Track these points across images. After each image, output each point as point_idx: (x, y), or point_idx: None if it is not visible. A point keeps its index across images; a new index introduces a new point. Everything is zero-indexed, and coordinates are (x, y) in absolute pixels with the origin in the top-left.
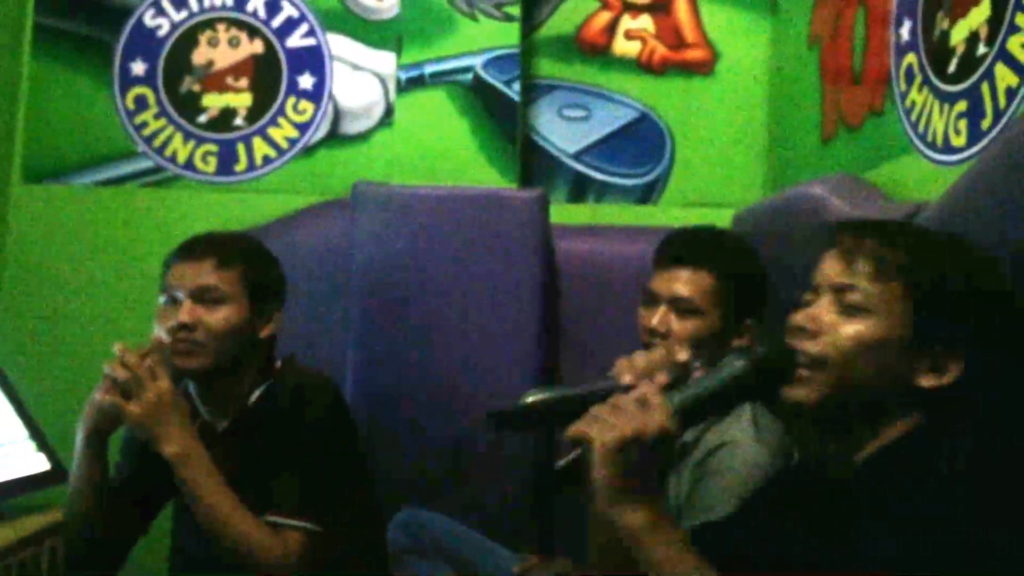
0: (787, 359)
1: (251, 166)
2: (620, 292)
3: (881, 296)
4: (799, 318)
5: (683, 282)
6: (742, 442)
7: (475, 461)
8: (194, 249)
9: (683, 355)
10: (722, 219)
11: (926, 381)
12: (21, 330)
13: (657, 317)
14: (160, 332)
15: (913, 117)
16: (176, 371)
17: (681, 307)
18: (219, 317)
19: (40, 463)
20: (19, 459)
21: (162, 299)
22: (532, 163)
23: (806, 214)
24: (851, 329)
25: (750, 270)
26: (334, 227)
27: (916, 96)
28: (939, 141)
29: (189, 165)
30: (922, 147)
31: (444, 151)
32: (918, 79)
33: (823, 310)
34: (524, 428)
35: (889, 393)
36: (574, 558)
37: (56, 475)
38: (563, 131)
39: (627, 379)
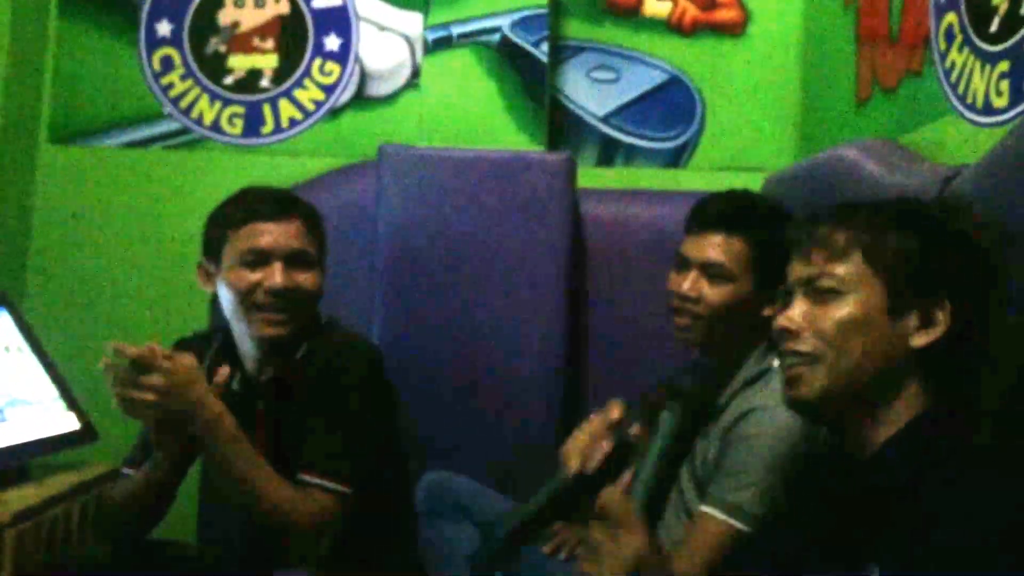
0: (708, 392)
1: (277, 128)
2: (648, 256)
3: (845, 274)
4: (780, 321)
5: (715, 247)
6: (771, 407)
7: (498, 424)
8: (281, 209)
9: (615, 413)
10: (753, 183)
11: (919, 340)
12: (50, 290)
13: (688, 282)
14: (231, 294)
15: (953, 78)
16: (259, 339)
17: (713, 272)
18: (310, 280)
19: (70, 422)
20: (49, 418)
21: (231, 261)
22: (560, 126)
23: (840, 178)
24: (830, 315)
25: (783, 236)
26: (360, 189)
27: (956, 56)
28: (979, 102)
29: (215, 127)
30: (962, 108)
31: (471, 113)
32: (958, 39)
33: (797, 307)
34: (510, 554)
35: (888, 366)
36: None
37: (85, 434)
38: (592, 93)
39: (573, 465)
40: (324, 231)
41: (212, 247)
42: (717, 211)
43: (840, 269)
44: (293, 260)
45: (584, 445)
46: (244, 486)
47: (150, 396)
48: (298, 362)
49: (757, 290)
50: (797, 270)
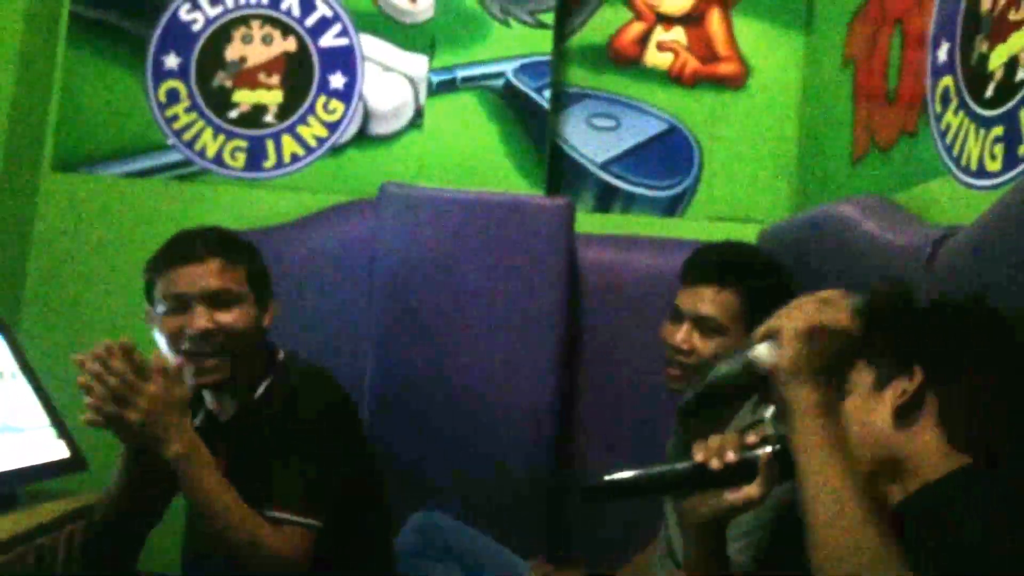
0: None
1: (279, 163)
2: (643, 303)
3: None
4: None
5: (707, 301)
6: None
7: (489, 466)
8: (195, 250)
9: (752, 438)
10: (748, 235)
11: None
12: (46, 318)
13: (681, 334)
14: (164, 340)
15: (947, 140)
16: (198, 384)
17: (704, 325)
18: (236, 318)
19: (60, 450)
20: (40, 446)
21: (160, 307)
22: (560, 171)
23: (835, 234)
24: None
25: (776, 288)
26: (360, 226)
27: (951, 119)
28: (973, 165)
29: (218, 159)
30: (955, 170)
31: (472, 155)
32: (954, 102)
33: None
34: (611, 500)
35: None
36: (585, 565)
37: (75, 463)
38: (592, 140)
39: (699, 456)
40: (257, 263)
41: (148, 293)
42: (709, 264)
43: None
44: (214, 301)
45: (716, 445)
46: (216, 518)
47: (134, 415)
48: (258, 400)
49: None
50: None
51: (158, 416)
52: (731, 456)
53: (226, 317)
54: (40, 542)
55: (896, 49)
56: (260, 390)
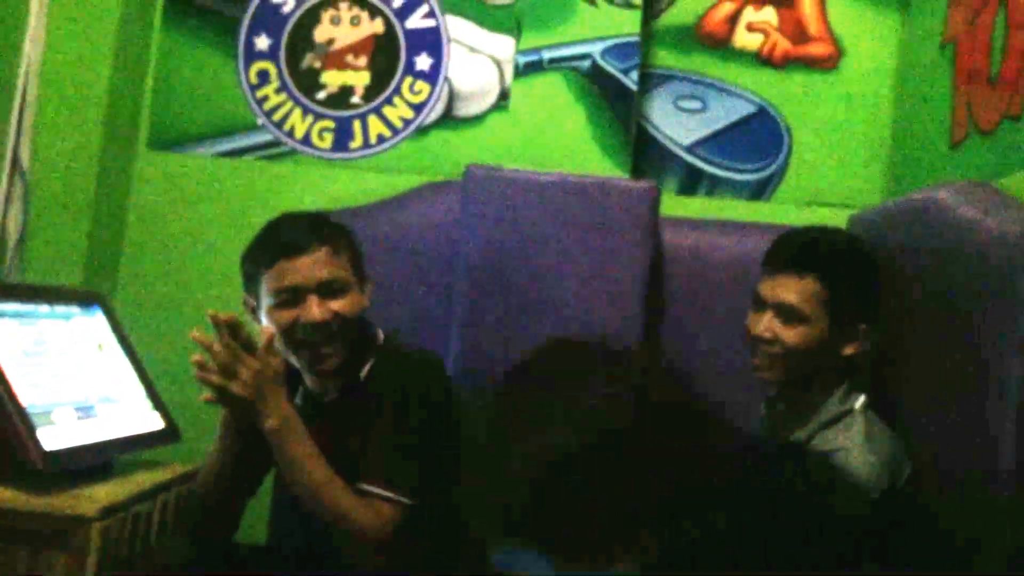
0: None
1: (366, 144)
2: (729, 288)
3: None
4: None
5: (789, 289)
6: (852, 449)
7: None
8: (301, 242)
9: None
10: (838, 220)
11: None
12: (141, 293)
13: (763, 324)
14: (276, 331)
15: None
16: (317, 372)
17: (786, 314)
18: (347, 304)
19: (155, 422)
20: (135, 417)
21: (269, 300)
22: (645, 153)
23: (931, 220)
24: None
25: (862, 275)
26: (445, 208)
27: None
28: None
29: (306, 140)
30: None
31: (558, 137)
32: None
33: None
34: None
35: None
36: None
37: (169, 434)
38: (678, 122)
39: None
40: (356, 247)
41: (250, 284)
42: (791, 252)
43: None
44: (326, 290)
45: None
46: (309, 490)
47: (237, 388)
48: (362, 382)
49: (834, 329)
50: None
51: (259, 389)
52: None
53: (338, 305)
54: (135, 510)
55: (1000, 29)
56: (364, 371)
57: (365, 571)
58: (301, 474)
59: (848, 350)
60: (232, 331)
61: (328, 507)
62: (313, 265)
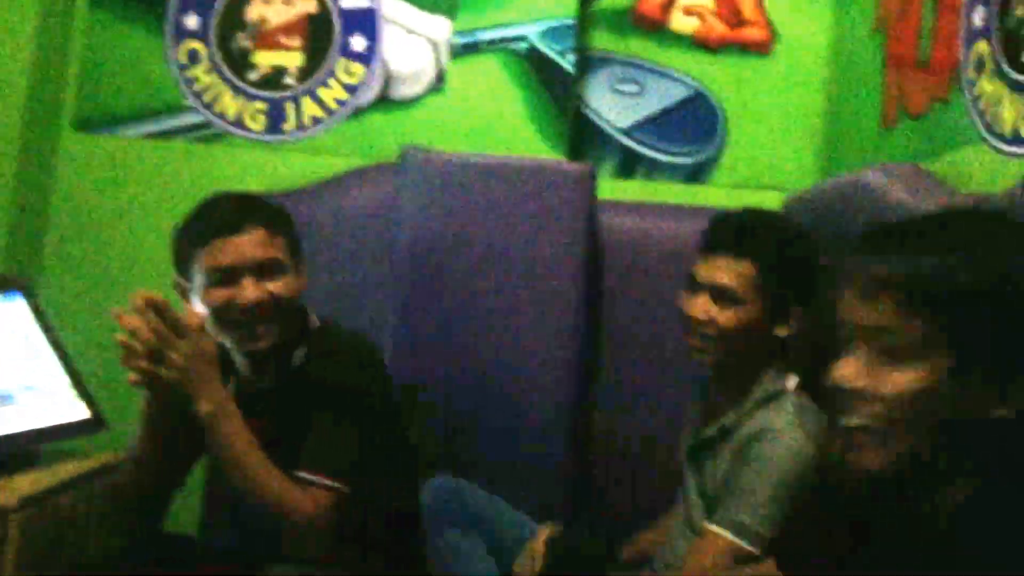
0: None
1: (299, 126)
2: (665, 270)
3: (923, 334)
4: (842, 377)
5: (724, 271)
6: (783, 430)
7: (509, 433)
8: (237, 221)
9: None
10: (773, 202)
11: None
12: (66, 279)
13: (699, 306)
14: (208, 312)
15: (981, 106)
16: (249, 351)
17: (721, 296)
18: (284, 286)
19: (80, 411)
20: (60, 406)
21: (201, 280)
22: (582, 136)
23: (863, 202)
24: (901, 381)
25: (796, 258)
26: (381, 191)
27: (986, 85)
28: (1008, 132)
29: (238, 122)
30: (989, 137)
31: (495, 120)
32: (988, 67)
33: (856, 361)
34: None
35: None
36: (603, 533)
37: (95, 423)
38: (615, 105)
39: None
40: (293, 230)
41: (181, 265)
42: (726, 232)
43: (917, 326)
44: (262, 271)
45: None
46: (245, 477)
47: (166, 372)
48: (296, 368)
49: (768, 311)
50: (858, 313)
51: (191, 372)
52: None
53: (274, 286)
54: (58, 501)
55: (929, 14)
56: (298, 357)
57: (301, 560)
58: (235, 459)
59: (782, 331)
60: (159, 312)
61: (263, 493)
62: (249, 245)
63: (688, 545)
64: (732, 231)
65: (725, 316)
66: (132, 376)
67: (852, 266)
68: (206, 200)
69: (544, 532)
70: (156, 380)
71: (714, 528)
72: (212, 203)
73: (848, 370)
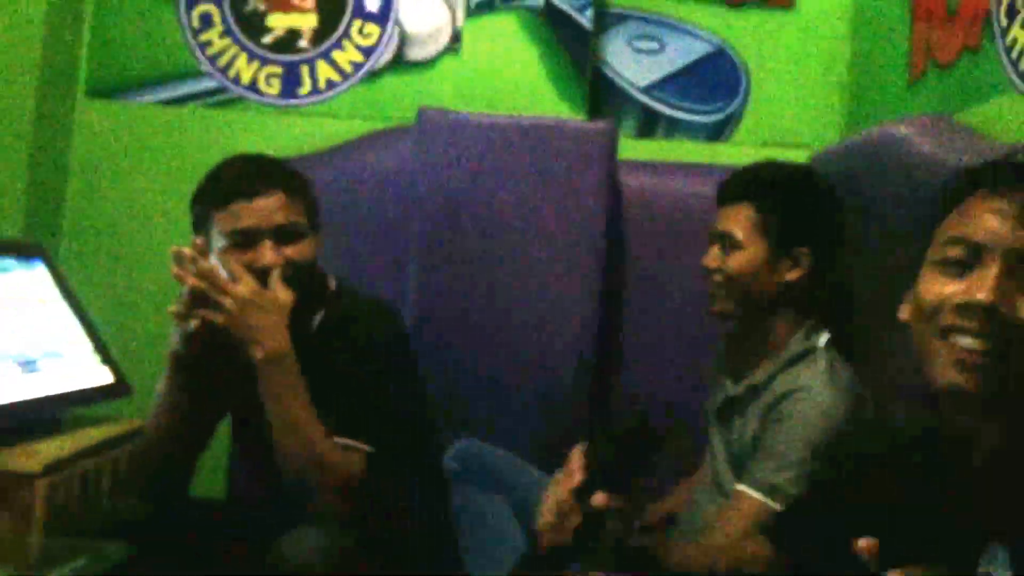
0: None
1: (315, 89)
2: (686, 230)
3: None
4: (981, 293)
5: (727, 218)
6: (814, 388)
7: (529, 394)
8: (257, 184)
9: (576, 477)
10: (798, 160)
11: None
12: (84, 244)
13: (710, 255)
14: (228, 275)
15: (1014, 55)
16: None
17: (726, 242)
18: (302, 251)
19: (104, 376)
20: (83, 371)
21: (220, 242)
22: (601, 95)
23: (891, 156)
24: None
25: (797, 198)
26: (398, 153)
27: (1018, 32)
28: None
29: (252, 86)
30: (1022, 86)
31: (511, 79)
32: (1021, 14)
33: (995, 278)
34: None
35: None
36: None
37: (119, 389)
38: (634, 63)
39: (545, 540)
40: (311, 194)
41: (199, 224)
42: (731, 183)
43: None
44: (281, 235)
45: (553, 520)
46: (291, 431)
47: (221, 318)
48: (315, 332)
49: (773, 253)
50: (1004, 234)
51: (251, 312)
52: (573, 521)
53: (293, 251)
54: (83, 467)
55: None
56: (316, 320)
57: (329, 521)
58: (285, 412)
59: (790, 275)
60: (203, 256)
61: (308, 451)
62: (268, 209)
63: (715, 507)
64: (733, 180)
65: (729, 262)
66: (179, 320)
67: (1007, 183)
68: (224, 161)
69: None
70: (202, 328)
71: (745, 489)
72: (230, 165)
73: (987, 290)
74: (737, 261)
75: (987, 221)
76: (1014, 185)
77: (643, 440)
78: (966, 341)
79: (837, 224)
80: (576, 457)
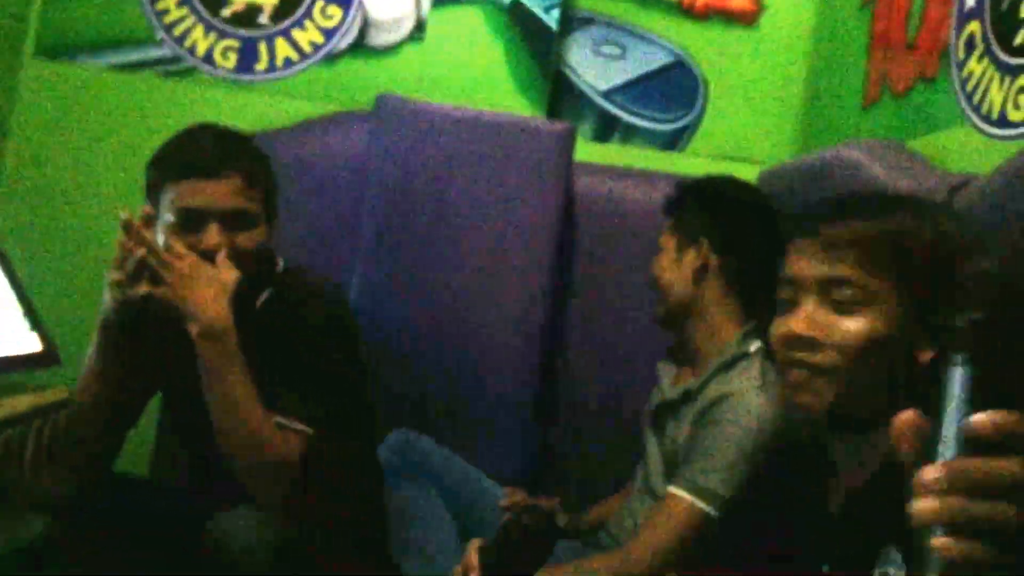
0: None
1: (271, 67)
2: (637, 236)
3: (874, 285)
4: (788, 328)
5: (664, 230)
6: (747, 393)
7: (472, 389)
8: (214, 164)
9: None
10: (748, 175)
11: (924, 356)
12: (22, 208)
13: (652, 265)
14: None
15: (969, 88)
16: None
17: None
18: (251, 239)
19: (32, 343)
20: (11, 337)
21: (167, 216)
22: (561, 96)
23: (841, 178)
24: (853, 328)
25: (703, 202)
26: (354, 138)
27: (975, 66)
28: (995, 114)
29: (208, 58)
30: (976, 119)
31: (472, 72)
32: (979, 49)
33: (807, 312)
34: None
35: (894, 383)
36: (561, 499)
37: (47, 358)
38: (596, 67)
39: None
40: (272, 179)
41: (151, 192)
42: (670, 196)
43: (871, 279)
44: (231, 221)
45: None
46: (229, 409)
47: (157, 290)
48: (259, 311)
49: (680, 248)
50: (814, 269)
51: (191, 285)
52: None
53: (241, 239)
54: (7, 434)
55: None
56: (261, 300)
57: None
58: (225, 386)
59: (690, 262)
60: (148, 226)
61: (245, 428)
62: (222, 193)
63: (646, 510)
64: (674, 194)
65: (653, 267)
66: (113, 291)
67: (810, 227)
68: (190, 130)
69: (475, 544)
70: (134, 299)
71: (675, 491)
72: (194, 136)
73: (800, 322)
74: (656, 263)
75: (798, 261)
76: (820, 224)
77: (521, 543)
78: (793, 371)
79: (760, 232)
80: (473, 554)
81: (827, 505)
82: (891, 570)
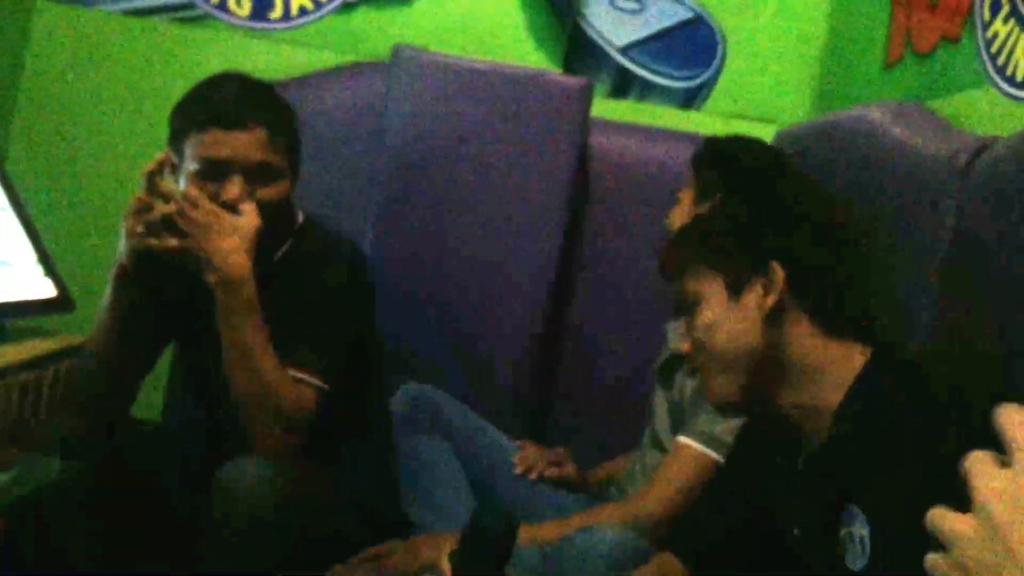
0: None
1: (286, 15)
2: (651, 194)
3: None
4: (684, 346)
5: (685, 185)
6: None
7: (482, 345)
8: (239, 114)
9: None
10: (765, 135)
11: (768, 303)
12: (35, 154)
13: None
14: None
15: (993, 48)
16: None
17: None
18: (274, 193)
19: (47, 289)
20: (26, 282)
21: (190, 165)
22: (578, 50)
23: (861, 140)
24: (695, 325)
25: (718, 154)
26: (369, 89)
27: (1000, 27)
28: (1020, 76)
29: (222, 5)
30: (999, 80)
31: (489, 24)
32: (1005, 9)
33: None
34: None
35: (760, 341)
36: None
37: (62, 303)
38: (614, 21)
39: None
40: (295, 132)
41: (174, 140)
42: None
43: (689, 284)
44: (254, 173)
45: None
46: (244, 358)
47: (173, 241)
48: (277, 262)
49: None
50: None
51: (205, 240)
52: None
53: (264, 192)
54: (24, 378)
55: None
56: (280, 251)
57: (265, 454)
58: (240, 335)
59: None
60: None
61: (259, 379)
62: (246, 145)
63: (654, 461)
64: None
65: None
66: (130, 239)
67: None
68: (216, 78)
69: (526, 449)
70: (153, 248)
71: (684, 440)
72: (219, 84)
73: (686, 343)
74: (672, 218)
75: None
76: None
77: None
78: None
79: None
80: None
81: (796, 465)
82: (855, 527)
